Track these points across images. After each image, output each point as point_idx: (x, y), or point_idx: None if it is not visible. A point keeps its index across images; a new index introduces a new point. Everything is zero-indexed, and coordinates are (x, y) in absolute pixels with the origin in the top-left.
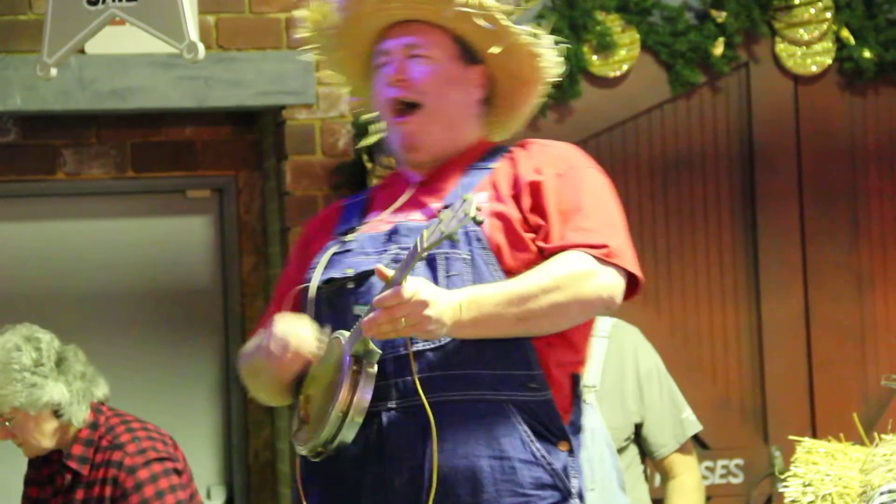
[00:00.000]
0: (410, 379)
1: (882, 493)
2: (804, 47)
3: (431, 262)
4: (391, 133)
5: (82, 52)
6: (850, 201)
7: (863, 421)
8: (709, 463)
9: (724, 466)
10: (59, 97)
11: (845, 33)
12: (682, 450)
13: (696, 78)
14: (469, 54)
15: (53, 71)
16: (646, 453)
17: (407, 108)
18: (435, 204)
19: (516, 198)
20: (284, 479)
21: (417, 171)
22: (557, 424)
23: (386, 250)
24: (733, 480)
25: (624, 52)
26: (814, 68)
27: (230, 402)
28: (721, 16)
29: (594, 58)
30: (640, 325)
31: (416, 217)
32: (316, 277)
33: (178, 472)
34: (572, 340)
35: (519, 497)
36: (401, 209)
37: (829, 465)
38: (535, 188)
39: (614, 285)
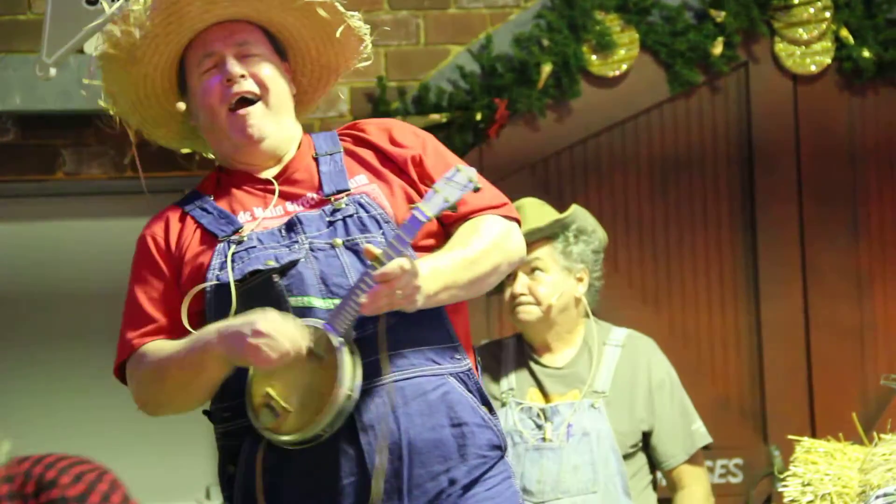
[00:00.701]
0: (373, 360)
1: (878, 497)
2: (803, 47)
3: (354, 248)
4: (231, 129)
5: (82, 51)
6: (849, 201)
7: (862, 420)
8: (708, 462)
9: (723, 466)
10: (59, 97)
11: (844, 33)
12: (692, 461)
13: (695, 77)
14: (280, 50)
15: (53, 71)
16: (655, 463)
17: (246, 103)
18: (310, 194)
19: (401, 173)
20: None
21: (256, 167)
22: (481, 389)
23: (295, 241)
24: (732, 480)
25: (623, 52)
26: (813, 68)
27: None
28: (720, 15)
29: (593, 57)
30: (639, 324)
31: (300, 208)
32: (230, 275)
33: (118, 481)
34: (460, 306)
35: (479, 458)
36: (277, 204)
37: (828, 464)
38: (417, 161)
39: (522, 239)
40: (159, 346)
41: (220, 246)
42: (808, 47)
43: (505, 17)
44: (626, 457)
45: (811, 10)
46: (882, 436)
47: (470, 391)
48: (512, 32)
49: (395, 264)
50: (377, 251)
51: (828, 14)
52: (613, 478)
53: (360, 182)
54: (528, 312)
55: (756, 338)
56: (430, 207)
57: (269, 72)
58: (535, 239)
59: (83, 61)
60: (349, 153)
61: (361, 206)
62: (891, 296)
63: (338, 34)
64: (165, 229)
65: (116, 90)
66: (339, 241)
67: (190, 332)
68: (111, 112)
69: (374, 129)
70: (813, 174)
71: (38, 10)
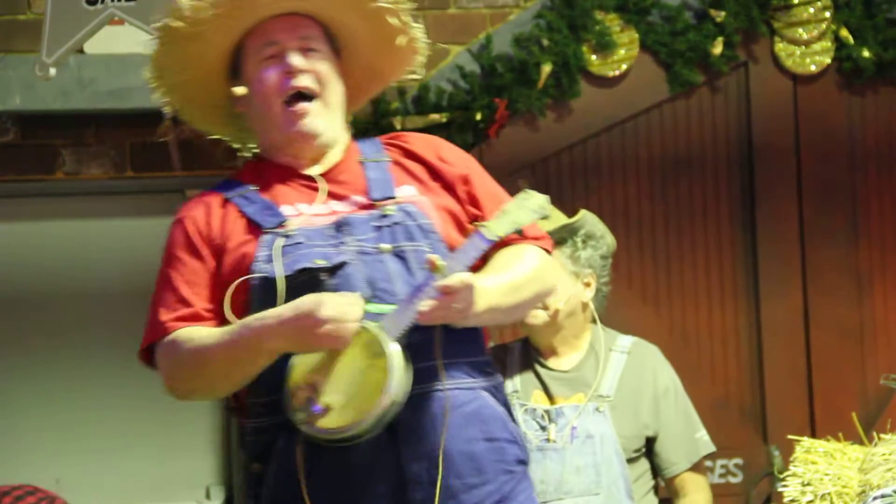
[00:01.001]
0: (420, 367)
1: (875, 499)
2: (803, 47)
3: (402, 255)
4: (285, 123)
5: (81, 51)
6: (849, 200)
7: (862, 420)
8: (708, 462)
9: (723, 466)
10: (59, 97)
11: (844, 33)
12: (694, 469)
13: (695, 77)
14: (335, 49)
15: (52, 71)
16: (657, 471)
17: (303, 98)
18: (356, 197)
19: (449, 189)
20: None
21: (302, 163)
22: (508, 403)
23: (342, 242)
24: (732, 480)
25: (623, 52)
26: (813, 68)
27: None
28: (720, 15)
29: (593, 57)
30: (639, 324)
31: (347, 209)
32: (278, 269)
33: None
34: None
35: (508, 474)
36: (323, 202)
37: (827, 464)
38: (466, 180)
39: (557, 272)
40: (198, 332)
41: (265, 237)
42: (807, 47)
43: (505, 17)
44: (630, 461)
45: (811, 10)
46: (882, 436)
47: (501, 405)
48: (512, 32)
49: (458, 279)
50: (441, 262)
51: (828, 14)
52: (617, 480)
53: (408, 192)
54: (535, 317)
55: (756, 337)
56: (499, 228)
57: (328, 70)
58: None
59: (82, 61)
60: (396, 163)
61: (409, 214)
62: (891, 296)
63: (398, 43)
64: (207, 214)
65: (166, 65)
66: (387, 246)
67: (227, 322)
68: (153, 86)
69: (422, 143)
70: (813, 174)
71: (37, 10)
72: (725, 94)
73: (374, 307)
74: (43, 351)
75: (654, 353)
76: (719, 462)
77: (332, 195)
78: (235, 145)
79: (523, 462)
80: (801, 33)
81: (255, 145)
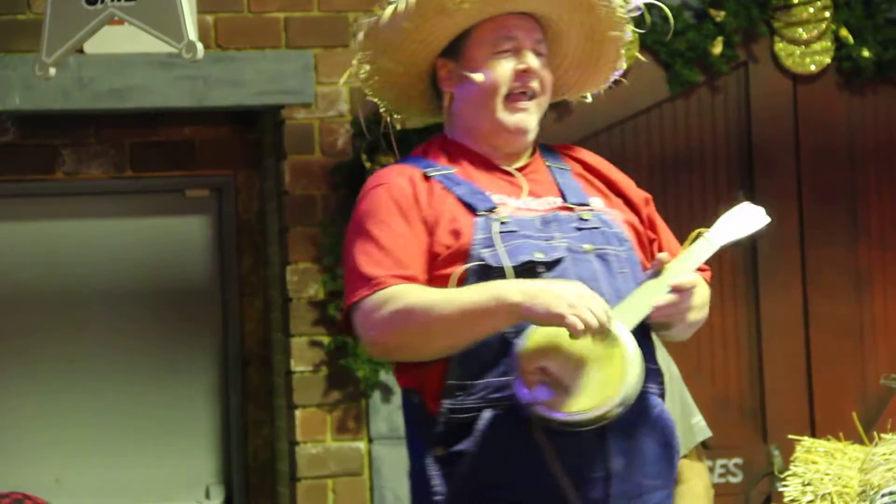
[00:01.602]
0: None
1: (883, 496)
2: (803, 46)
3: (604, 258)
4: (503, 115)
5: (81, 51)
6: (848, 200)
7: (862, 420)
8: (708, 462)
9: (723, 465)
10: (58, 97)
11: (844, 32)
12: (691, 455)
13: (694, 77)
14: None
15: (52, 70)
16: None
17: (524, 96)
18: (552, 198)
19: (632, 208)
20: (283, 478)
21: (499, 156)
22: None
23: (552, 237)
24: (732, 480)
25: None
26: (812, 67)
27: (229, 401)
28: (720, 15)
29: None
30: None
31: (547, 207)
32: (504, 257)
33: None
34: None
35: (671, 483)
36: (525, 196)
37: (828, 464)
38: (648, 202)
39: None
40: (418, 289)
41: (479, 220)
42: (807, 47)
43: None
44: None
45: (811, 10)
46: (882, 435)
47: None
48: None
49: (692, 279)
50: (669, 264)
51: (827, 14)
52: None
53: (597, 203)
54: None
55: (756, 337)
56: (721, 236)
57: (548, 75)
58: None
59: (82, 61)
60: (578, 174)
61: (604, 222)
62: (891, 295)
63: (610, 64)
64: (412, 185)
65: (388, 37)
66: (590, 247)
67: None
68: (365, 86)
69: (596, 159)
70: (812, 173)
71: (37, 10)
72: (725, 94)
73: None
74: (43, 350)
75: None
76: (719, 462)
77: (531, 192)
78: (405, 122)
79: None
80: (801, 33)
81: (421, 125)
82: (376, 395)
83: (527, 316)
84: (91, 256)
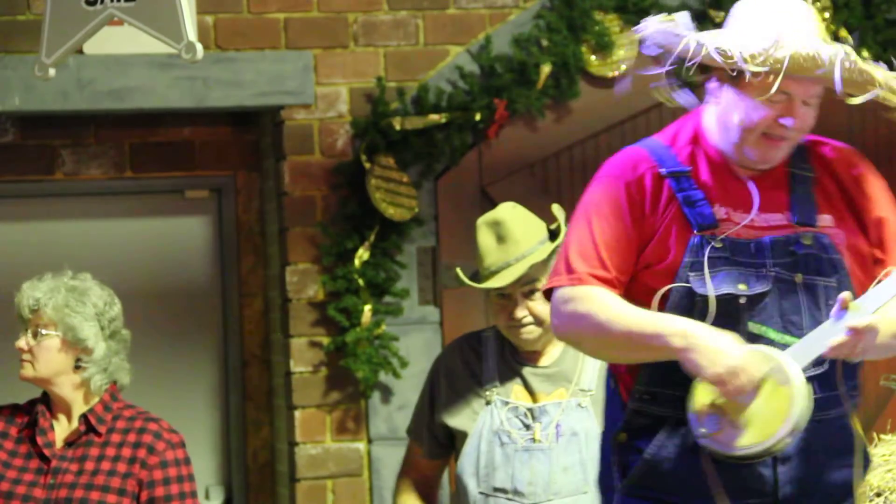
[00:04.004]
0: (820, 396)
1: None
2: None
3: (813, 290)
4: (755, 148)
5: (81, 52)
6: None
7: (861, 421)
8: None
9: None
10: (58, 97)
11: (844, 33)
12: None
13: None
14: None
15: (52, 71)
16: None
17: (783, 140)
18: (778, 215)
19: (862, 228)
20: (283, 479)
21: (741, 168)
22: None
23: (762, 265)
24: None
25: (622, 52)
26: None
27: (228, 402)
28: (719, 16)
29: (592, 58)
30: None
31: (769, 225)
32: (710, 287)
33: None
34: None
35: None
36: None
37: None
38: (880, 223)
39: None
40: (611, 299)
41: (693, 240)
42: None
43: (504, 18)
44: None
45: None
46: (882, 436)
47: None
48: (511, 33)
49: (868, 321)
50: (853, 303)
51: (827, 14)
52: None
53: (825, 221)
54: (531, 332)
55: None
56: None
57: (812, 116)
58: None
59: (82, 61)
60: (818, 183)
61: (823, 247)
62: None
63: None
64: (641, 187)
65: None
66: (799, 276)
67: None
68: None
69: (845, 164)
70: None
71: (37, 11)
72: None
73: (783, 337)
74: None
75: None
76: None
77: (760, 207)
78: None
79: None
80: None
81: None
82: (376, 396)
83: (684, 364)
84: (91, 257)
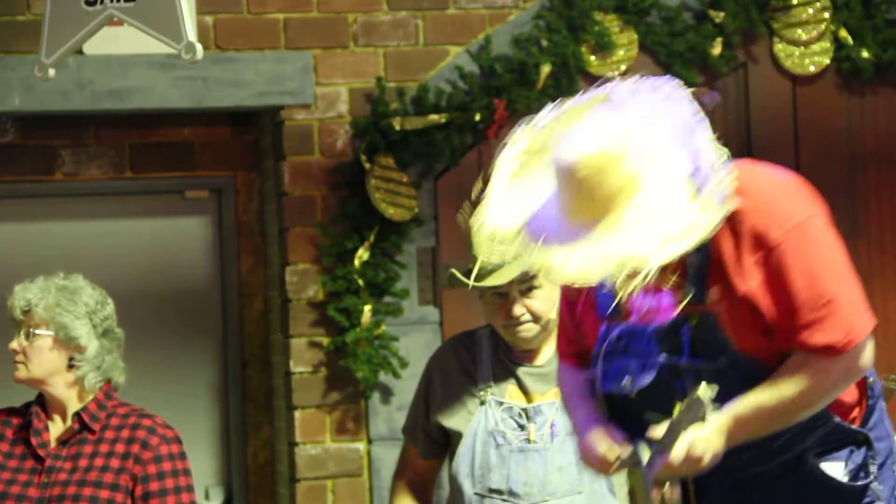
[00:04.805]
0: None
1: None
2: (802, 47)
3: (698, 375)
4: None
5: (80, 52)
6: (848, 201)
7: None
8: None
9: None
10: (58, 98)
11: (843, 33)
12: None
13: (694, 78)
14: None
15: (52, 71)
16: None
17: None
18: (669, 288)
19: (763, 280)
20: (282, 479)
21: None
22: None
23: (653, 352)
24: None
25: (622, 53)
26: (812, 68)
27: (228, 402)
28: (719, 16)
29: (592, 58)
30: None
31: (665, 306)
32: (598, 382)
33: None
34: None
35: None
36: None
37: None
38: (777, 277)
39: (856, 366)
40: (566, 381)
41: (602, 328)
42: (806, 48)
43: (504, 18)
44: None
45: (810, 11)
46: None
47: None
48: (511, 33)
49: (663, 464)
50: (658, 436)
51: (826, 14)
52: (598, 477)
53: (714, 296)
54: (528, 330)
55: None
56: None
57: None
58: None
59: (82, 62)
60: (722, 238)
61: (707, 328)
62: (890, 296)
63: None
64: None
65: None
66: (687, 364)
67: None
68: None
69: (758, 216)
70: (812, 174)
71: (37, 11)
72: (724, 95)
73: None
74: None
75: None
76: None
77: (655, 288)
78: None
79: None
80: (800, 34)
81: None
82: (376, 397)
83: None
84: (90, 258)
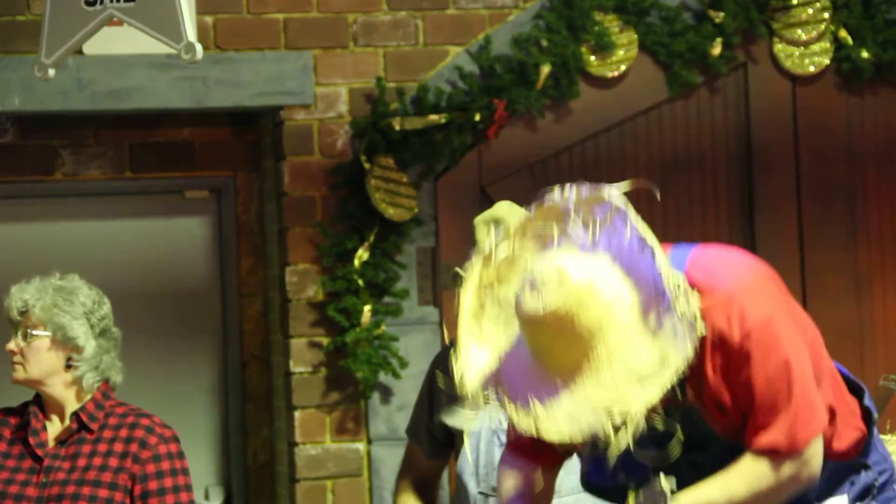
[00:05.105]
0: None
1: None
2: (802, 47)
3: (678, 468)
4: None
5: (80, 52)
6: (848, 201)
7: None
8: None
9: None
10: (58, 98)
11: (843, 33)
12: None
13: (693, 78)
14: None
15: (51, 72)
16: None
17: None
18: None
19: (726, 373)
20: (282, 479)
21: None
22: None
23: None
24: None
25: (622, 53)
26: (812, 68)
27: (228, 402)
28: (719, 16)
29: (592, 58)
30: None
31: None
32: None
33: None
34: None
35: None
36: None
37: None
38: (737, 378)
39: (806, 469)
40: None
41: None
42: (806, 48)
43: (504, 18)
44: None
45: (810, 11)
46: (881, 436)
47: None
48: (511, 33)
49: None
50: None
51: (826, 15)
52: None
53: (690, 394)
54: None
55: None
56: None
57: None
58: None
59: (82, 62)
60: (702, 357)
61: (691, 421)
62: (890, 296)
63: None
64: None
65: None
66: (674, 454)
67: None
68: None
69: (709, 323)
70: (812, 175)
71: (36, 11)
72: (724, 95)
73: None
74: None
75: None
76: None
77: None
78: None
79: None
80: (800, 34)
81: None
82: (375, 397)
83: None
84: (90, 258)
